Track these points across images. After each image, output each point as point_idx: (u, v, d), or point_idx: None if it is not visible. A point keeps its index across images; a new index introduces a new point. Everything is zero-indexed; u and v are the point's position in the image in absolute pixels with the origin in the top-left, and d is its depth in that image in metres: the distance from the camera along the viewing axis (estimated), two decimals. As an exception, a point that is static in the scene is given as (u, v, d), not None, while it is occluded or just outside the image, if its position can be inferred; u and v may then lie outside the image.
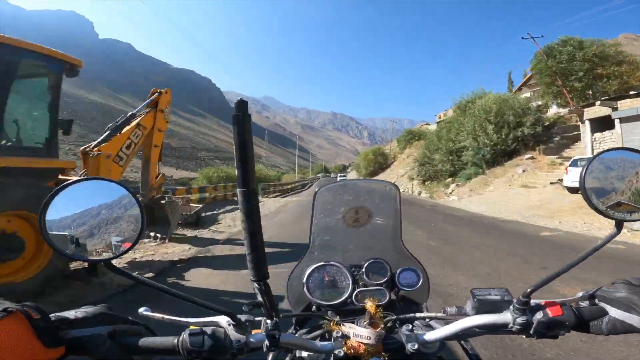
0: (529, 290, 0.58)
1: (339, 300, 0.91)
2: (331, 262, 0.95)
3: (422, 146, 29.46)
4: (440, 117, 62.36)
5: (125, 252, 0.59)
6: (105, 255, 0.57)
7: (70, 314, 0.56)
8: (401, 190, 1.10)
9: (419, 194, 24.75)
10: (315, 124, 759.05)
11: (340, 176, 47.51)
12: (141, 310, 0.68)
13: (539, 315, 0.59)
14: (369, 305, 0.74)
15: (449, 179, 23.23)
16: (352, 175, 66.46)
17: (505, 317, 0.61)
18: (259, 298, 0.57)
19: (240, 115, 0.47)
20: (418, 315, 0.77)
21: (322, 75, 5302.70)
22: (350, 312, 0.88)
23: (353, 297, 0.90)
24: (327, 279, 0.94)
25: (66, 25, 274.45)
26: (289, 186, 32.98)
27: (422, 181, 26.83)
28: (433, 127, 52.19)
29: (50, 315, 0.53)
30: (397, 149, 52.21)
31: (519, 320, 0.59)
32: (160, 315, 0.67)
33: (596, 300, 0.61)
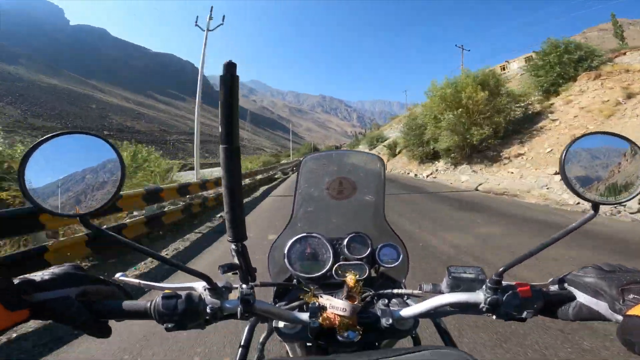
0: (501, 269, 0.58)
1: (320, 273, 0.90)
2: (313, 234, 0.94)
3: None
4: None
5: (103, 206, 0.56)
6: (80, 211, 0.55)
7: (37, 276, 0.54)
8: None
9: None
10: (304, 107, 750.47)
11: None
12: (117, 275, 0.68)
13: (509, 296, 0.59)
14: (349, 279, 0.74)
15: None
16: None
17: (478, 296, 0.61)
18: (235, 260, 0.56)
19: (228, 76, 0.48)
20: (395, 291, 0.76)
21: (311, 58, 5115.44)
22: (330, 285, 0.88)
23: (333, 270, 0.90)
24: (308, 250, 0.93)
25: (36, 13, 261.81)
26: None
27: None
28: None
29: (15, 278, 0.52)
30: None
31: (490, 299, 0.59)
32: (137, 281, 0.66)
33: (565, 285, 0.61)
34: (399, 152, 29.41)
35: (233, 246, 0.54)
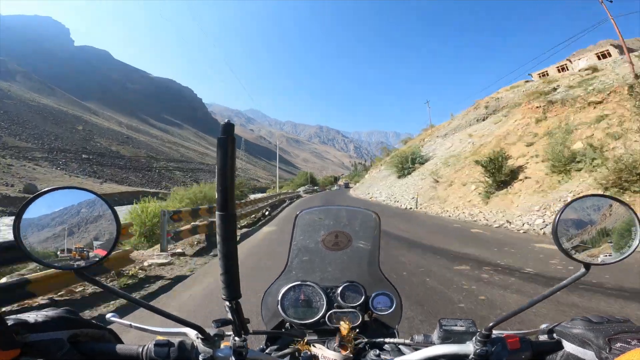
0: (491, 324, 0.60)
1: (313, 320, 0.92)
2: (307, 282, 0.96)
3: None
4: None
5: (99, 260, 0.57)
6: (78, 264, 0.56)
7: (30, 317, 0.54)
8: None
9: None
10: (301, 137, 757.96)
11: None
12: (109, 315, 0.67)
13: (498, 348, 0.60)
14: (342, 327, 0.75)
15: None
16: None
17: (467, 347, 0.62)
18: (229, 316, 0.57)
19: (225, 138, 0.47)
20: (387, 340, 0.78)
21: (309, 89, 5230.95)
22: (323, 332, 0.90)
23: (327, 317, 0.92)
24: (302, 298, 0.95)
25: (42, 31, 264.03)
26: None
27: None
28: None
29: (8, 317, 0.52)
30: None
31: (479, 351, 0.60)
32: (128, 322, 0.66)
33: (554, 335, 0.64)
34: (521, 178, 12.87)
35: (227, 304, 0.55)
